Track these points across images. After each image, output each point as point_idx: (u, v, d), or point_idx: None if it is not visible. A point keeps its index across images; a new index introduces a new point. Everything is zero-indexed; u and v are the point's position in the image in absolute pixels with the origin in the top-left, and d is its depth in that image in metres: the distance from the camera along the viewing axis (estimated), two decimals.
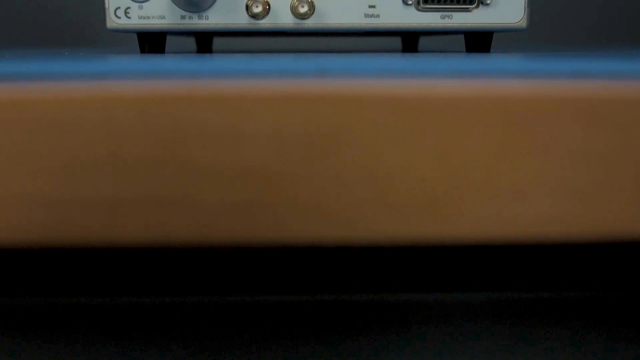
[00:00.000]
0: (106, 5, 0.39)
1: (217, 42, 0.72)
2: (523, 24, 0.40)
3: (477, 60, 0.26)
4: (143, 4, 0.39)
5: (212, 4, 0.39)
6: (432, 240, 0.16)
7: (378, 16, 0.40)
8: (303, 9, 0.39)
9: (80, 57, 0.33)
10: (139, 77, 0.18)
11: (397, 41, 0.71)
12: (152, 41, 0.42)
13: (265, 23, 0.39)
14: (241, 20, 0.39)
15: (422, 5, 0.40)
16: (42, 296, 0.21)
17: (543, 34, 0.85)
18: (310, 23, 0.40)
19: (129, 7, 0.39)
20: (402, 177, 0.16)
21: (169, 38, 0.46)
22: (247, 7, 0.39)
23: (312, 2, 0.39)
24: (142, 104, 0.15)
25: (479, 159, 0.16)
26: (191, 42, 0.71)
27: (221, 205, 0.16)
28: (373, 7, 0.40)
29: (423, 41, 0.71)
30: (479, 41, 0.43)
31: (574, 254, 0.22)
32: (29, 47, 0.74)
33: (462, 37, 0.51)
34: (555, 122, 0.16)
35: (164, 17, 0.39)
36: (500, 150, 0.16)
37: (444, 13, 0.40)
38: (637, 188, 0.16)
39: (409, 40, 0.55)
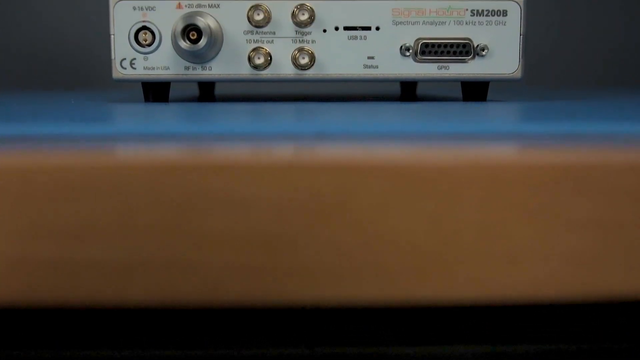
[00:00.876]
0: (112, 57, 0.40)
1: (219, 85, 0.74)
2: (518, 74, 0.42)
3: (473, 119, 0.27)
4: (148, 55, 0.40)
5: (215, 55, 0.40)
6: (427, 302, 0.17)
7: (377, 67, 0.41)
8: (304, 60, 0.40)
9: (87, 111, 0.34)
10: (148, 141, 0.19)
11: (396, 85, 0.73)
12: (156, 90, 0.43)
13: (267, 74, 0.41)
14: (243, 71, 0.40)
15: (419, 56, 0.41)
16: (47, 349, 0.22)
17: (537, 75, 0.86)
18: (310, 73, 0.41)
19: (134, 59, 0.40)
20: (399, 242, 0.17)
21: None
22: (250, 59, 0.40)
23: (312, 53, 0.40)
24: (152, 172, 0.16)
25: (473, 224, 0.17)
26: (194, 86, 0.73)
27: (227, 268, 0.17)
28: (372, 58, 0.41)
29: (421, 85, 0.73)
30: (475, 90, 0.44)
31: (565, 309, 0.23)
32: (40, 88, 0.76)
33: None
34: (548, 189, 0.17)
35: (168, 68, 0.40)
36: (493, 216, 0.17)
37: (441, 64, 0.41)
38: (627, 252, 0.17)
39: (408, 86, 0.56)
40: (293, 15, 0.40)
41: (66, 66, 0.86)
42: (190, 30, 0.39)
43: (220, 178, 0.16)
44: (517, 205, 0.17)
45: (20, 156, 0.17)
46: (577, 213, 0.17)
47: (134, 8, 0.40)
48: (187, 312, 0.21)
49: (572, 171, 0.17)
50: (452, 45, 0.41)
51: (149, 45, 0.40)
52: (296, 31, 0.40)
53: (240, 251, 0.16)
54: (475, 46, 0.41)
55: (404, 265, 0.17)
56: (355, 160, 0.16)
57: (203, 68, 0.40)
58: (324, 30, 0.41)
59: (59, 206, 0.16)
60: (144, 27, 0.40)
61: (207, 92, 0.57)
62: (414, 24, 0.41)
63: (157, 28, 0.40)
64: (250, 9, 0.40)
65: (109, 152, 0.17)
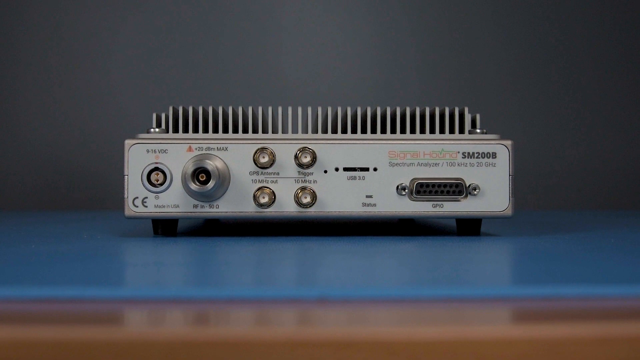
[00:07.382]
0: (125, 196, 0.43)
1: None
2: (509, 212, 0.44)
3: (463, 272, 0.29)
4: (160, 194, 0.43)
5: (222, 194, 0.43)
6: None
7: (375, 205, 0.44)
8: (306, 200, 0.43)
9: (97, 261, 0.36)
10: (160, 306, 0.21)
11: None
12: (165, 225, 0.45)
13: (271, 212, 0.43)
14: (249, 209, 0.43)
15: (414, 195, 0.43)
16: None
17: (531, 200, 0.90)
18: (312, 211, 0.43)
19: (146, 197, 0.43)
20: None
21: None
22: (255, 197, 0.43)
23: (314, 192, 0.43)
24: (171, 349, 0.18)
25: None
26: None
27: None
28: (370, 197, 0.44)
29: None
30: (469, 225, 0.46)
31: None
32: (61, 207, 0.78)
33: None
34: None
35: (178, 206, 0.43)
36: None
37: (435, 202, 0.44)
38: None
39: (405, 220, 0.58)
40: (296, 157, 0.43)
41: (77, 182, 0.90)
42: (200, 173, 0.42)
43: (228, 352, 0.18)
44: None
45: (41, 331, 0.19)
46: None
47: (147, 151, 0.43)
48: None
49: (546, 344, 0.19)
50: (445, 185, 0.44)
51: (161, 184, 0.43)
52: (299, 172, 0.43)
53: None
54: (467, 186, 0.44)
55: None
56: (352, 335, 0.18)
57: (211, 206, 0.43)
58: (325, 171, 0.43)
59: None
60: (156, 168, 0.43)
61: (212, 223, 0.59)
62: (409, 165, 0.44)
63: (168, 169, 0.43)
64: (256, 152, 0.43)
65: (123, 327, 0.19)
